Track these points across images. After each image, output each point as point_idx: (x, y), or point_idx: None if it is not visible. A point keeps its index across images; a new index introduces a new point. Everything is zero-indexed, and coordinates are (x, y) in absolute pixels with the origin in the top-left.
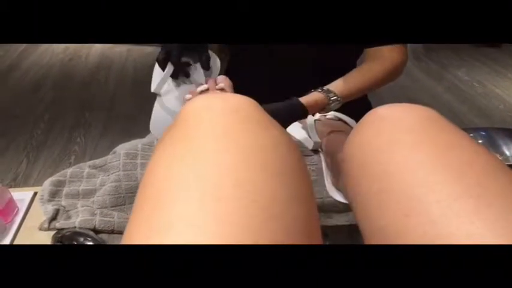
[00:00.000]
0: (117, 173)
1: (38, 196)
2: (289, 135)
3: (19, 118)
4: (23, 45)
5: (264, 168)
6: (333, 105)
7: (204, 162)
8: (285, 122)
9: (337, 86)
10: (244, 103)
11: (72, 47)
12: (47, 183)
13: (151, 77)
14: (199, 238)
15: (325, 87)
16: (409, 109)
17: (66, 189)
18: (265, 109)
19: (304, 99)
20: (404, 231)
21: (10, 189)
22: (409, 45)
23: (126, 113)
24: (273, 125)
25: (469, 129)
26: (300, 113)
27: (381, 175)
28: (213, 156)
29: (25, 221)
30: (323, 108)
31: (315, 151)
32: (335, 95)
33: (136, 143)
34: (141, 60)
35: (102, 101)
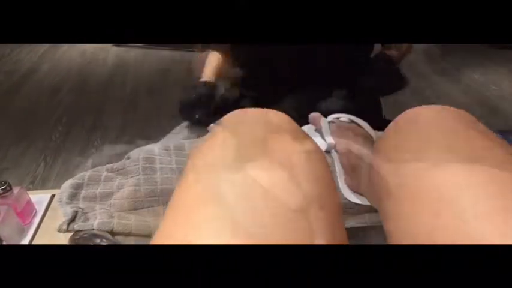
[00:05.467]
0: (136, 177)
1: (56, 198)
2: (317, 146)
3: (37, 121)
4: (43, 49)
5: (292, 176)
6: None
7: (236, 170)
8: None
9: None
10: (276, 116)
11: (89, 50)
12: (66, 186)
13: (167, 80)
14: (229, 239)
15: None
16: (444, 111)
17: (83, 192)
18: None
19: None
20: (435, 231)
21: (28, 192)
22: (423, 46)
23: (142, 117)
24: (303, 136)
25: None
26: None
27: (412, 174)
28: (245, 164)
29: (43, 222)
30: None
31: (327, 152)
32: None
33: (152, 148)
34: (157, 64)
35: (119, 104)
